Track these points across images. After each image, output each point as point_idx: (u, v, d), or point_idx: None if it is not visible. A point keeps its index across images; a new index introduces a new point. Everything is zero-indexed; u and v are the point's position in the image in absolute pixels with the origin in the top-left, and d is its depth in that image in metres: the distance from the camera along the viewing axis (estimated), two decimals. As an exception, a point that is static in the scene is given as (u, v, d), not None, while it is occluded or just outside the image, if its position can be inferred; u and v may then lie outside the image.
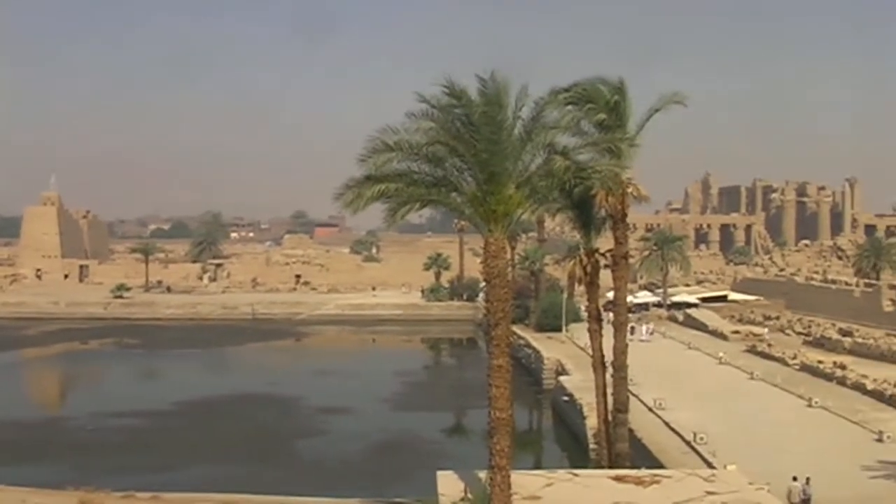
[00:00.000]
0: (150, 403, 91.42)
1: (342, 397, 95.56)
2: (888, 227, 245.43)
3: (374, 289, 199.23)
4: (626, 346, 51.39)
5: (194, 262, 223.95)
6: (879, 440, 58.82)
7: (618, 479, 39.47)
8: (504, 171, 33.83)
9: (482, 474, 36.47)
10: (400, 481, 59.61)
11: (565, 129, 38.34)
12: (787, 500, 43.36)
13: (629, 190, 49.27)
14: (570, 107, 44.77)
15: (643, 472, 41.17)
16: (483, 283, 36.15)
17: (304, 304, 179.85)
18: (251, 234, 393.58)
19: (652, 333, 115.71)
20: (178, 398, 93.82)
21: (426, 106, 34.18)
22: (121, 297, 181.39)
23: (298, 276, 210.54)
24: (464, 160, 34.26)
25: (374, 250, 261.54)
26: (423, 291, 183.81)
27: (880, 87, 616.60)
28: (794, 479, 44.79)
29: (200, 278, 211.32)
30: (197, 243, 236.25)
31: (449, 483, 38.01)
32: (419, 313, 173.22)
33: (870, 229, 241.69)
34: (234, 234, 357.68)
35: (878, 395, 74.25)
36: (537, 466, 62.26)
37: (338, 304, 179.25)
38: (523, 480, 37.04)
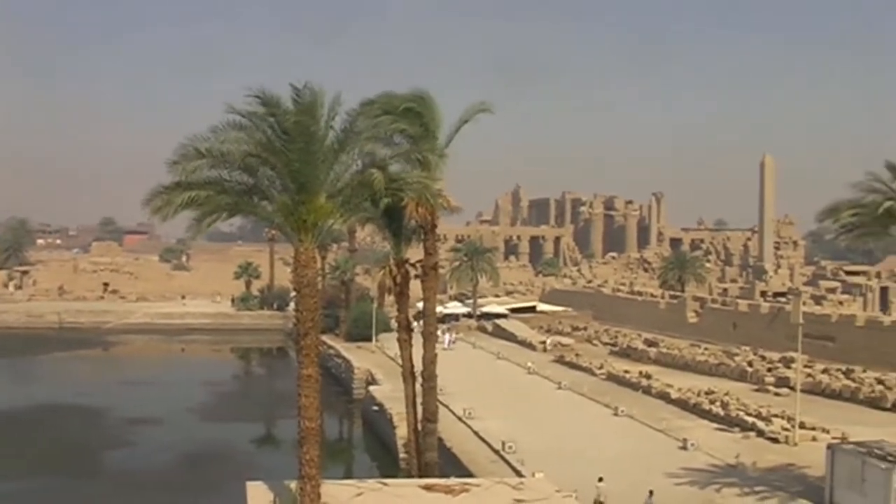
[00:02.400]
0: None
1: (151, 408, 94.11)
2: (693, 241, 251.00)
3: (183, 297, 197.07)
4: (436, 355, 51.69)
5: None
6: (683, 448, 60.23)
7: (427, 488, 39.65)
8: (315, 181, 33.73)
9: (292, 484, 36.32)
10: (209, 492, 59.08)
11: (377, 141, 38.43)
12: (594, 501, 44.25)
13: (440, 201, 49.50)
14: (382, 118, 44.87)
15: (452, 481, 41.43)
16: (293, 293, 35.94)
17: (112, 313, 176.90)
18: (58, 241, 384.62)
19: (454, 342, 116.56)
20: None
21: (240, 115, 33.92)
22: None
23: (106, 284, 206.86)
24: (275, 169, 34.07)
25: (183, 258, 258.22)
26: (233, 300, 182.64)
27: (687, 104, 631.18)
28: (600, 479, 45.86)
29: (6, 285, 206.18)
30: (2, 250, 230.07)
31: (258, 494, 37.78)
32: (229, 322, 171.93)
33: (675, 242, 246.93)
34: (40, 241, 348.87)
35: (682, 404, 76.01)
36: (348, 476, 62.17)
37: (146, 313, 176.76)
38: (333, 490, 37.02)
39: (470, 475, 49.89)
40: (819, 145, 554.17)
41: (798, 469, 55.52)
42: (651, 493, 44.59)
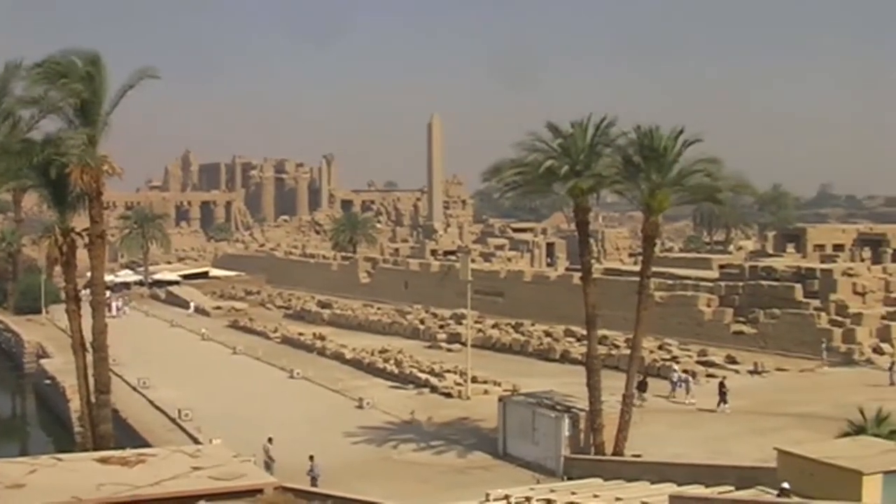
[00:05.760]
0: None
1: None
2: (364, 202, 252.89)
3: None
4: (106, 325, 50.52)
5: None
6: (360, 407, 61.10)
7: (103, 461, 38.79)
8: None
9: (-40, 465, 35.06)
10: None
11: (35, 104, 37.15)
12: (264, 459, 44.50)
13: (104, 167, 48.22)
14: (42, 81, 43.56)
15: (128, 453, 40.64)
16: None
17: None
18: None
19: (119, 309, 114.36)
20: None
21: None
22: None
23: None
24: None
25: None
26: None
27: (357, 67, 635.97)
28: (270, 440, 46.41)
29: None
30: None
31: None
32: None
33: (346, 204, 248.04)
34: None
35: (356, 364, 76.98)
36: (23, 453, 60.44)
37: None
38: (5, 469, 35.87)
39: (147, 445, 49.20)
40: (486, 108, 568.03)
41: (472, 422, 57.01)
42: (312, 457, 44.92)
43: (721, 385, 60.62)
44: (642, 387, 61.41)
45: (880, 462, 28.10)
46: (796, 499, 27.75)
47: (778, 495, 28.89)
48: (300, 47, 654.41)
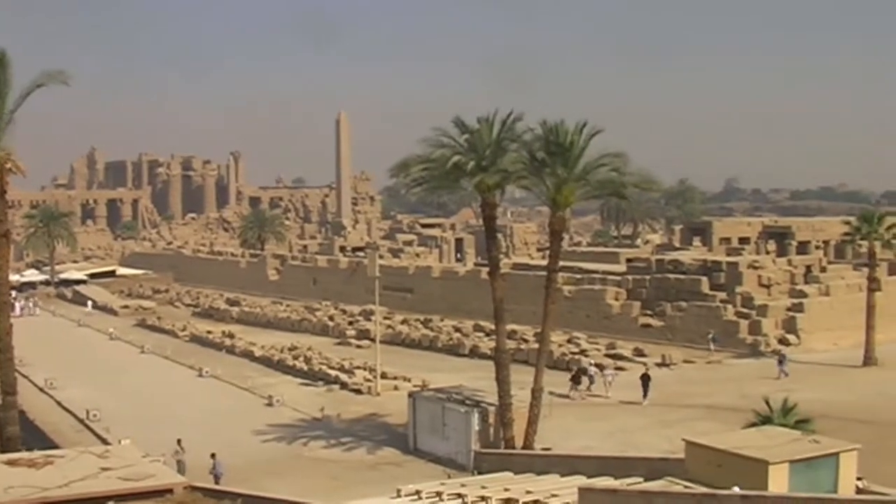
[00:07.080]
0: None
1: None
2: (272, 199, 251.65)
3: None
4: (11, 325, 49.88)
5: None
6: (269, 404, 60.90)
7: (10, 463, 38.26)
8: None
9: None
10: None
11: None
12: (174, 460, 44.22)
13: (8, 165, 47.54)
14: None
15: (36, 454, 40.14)
16: None
17: None
18: None
19: (23, 309, 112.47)
20: None
21: None
22: None
23: None
24: None
25: None
26: None
27: (265, 65, 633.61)
28: (179, 441, 46.52)
29: None
30: None
31: None
32: None
33: (255, 201, 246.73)
34: None
35: (266, 362, 76.70)
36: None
37: None
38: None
39: (55, 447, 48.65)
40: (393, 105, 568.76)
41: (382, 418, 57.06)
42: (214, 455, 44.78)
43: (644, 377, 60.92)
44: (577, 380, 61.88)
45: (786, 451, 28.48)
46: (701, 488, 28.06)
47: None
48: (208, 44, 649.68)
